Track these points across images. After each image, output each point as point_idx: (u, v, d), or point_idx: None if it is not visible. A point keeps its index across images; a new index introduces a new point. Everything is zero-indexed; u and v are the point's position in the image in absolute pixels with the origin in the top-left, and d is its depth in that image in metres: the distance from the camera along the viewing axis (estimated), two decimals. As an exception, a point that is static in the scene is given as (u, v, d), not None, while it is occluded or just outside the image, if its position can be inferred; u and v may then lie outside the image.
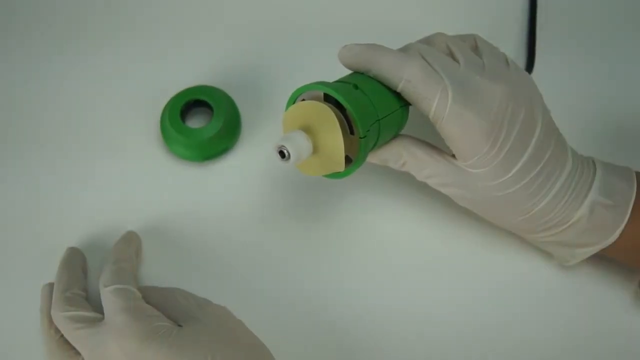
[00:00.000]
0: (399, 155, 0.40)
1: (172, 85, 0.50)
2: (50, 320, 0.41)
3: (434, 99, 0.37)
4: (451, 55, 0.40)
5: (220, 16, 0.56)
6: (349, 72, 0.40)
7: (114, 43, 0.54)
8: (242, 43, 0.54)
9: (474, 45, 0.41)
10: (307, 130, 0.37)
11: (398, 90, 0.38)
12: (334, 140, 0.36)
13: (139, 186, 0.48)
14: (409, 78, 0.37)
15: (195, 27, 0.55)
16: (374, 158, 0.41)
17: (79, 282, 0.42)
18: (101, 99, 0.52)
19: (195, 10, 0.56)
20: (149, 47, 0.54)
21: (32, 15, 0.55)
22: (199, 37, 0.54)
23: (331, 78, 0.40)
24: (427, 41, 0.41)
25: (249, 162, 0.49)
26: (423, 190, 0.45)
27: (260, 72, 0.53)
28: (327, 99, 0.37)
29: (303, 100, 0.38)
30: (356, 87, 0.38)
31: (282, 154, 0.36)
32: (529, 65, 0.53)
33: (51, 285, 0.43)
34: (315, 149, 0.37)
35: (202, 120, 0.51)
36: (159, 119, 0.50)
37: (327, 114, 0.36)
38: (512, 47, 0.54)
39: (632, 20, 0.56)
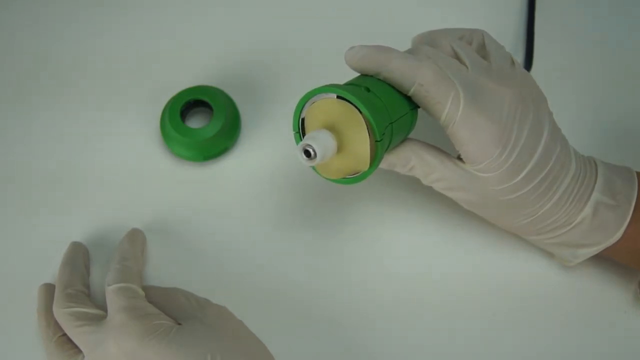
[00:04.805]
0: (408, 159, 0.40)
1: (172, 85, 0.50)
2: (48, 321, 0.41)
3: (446, 103, 0.37)
4: (457, 57, 0.40)
5: (220, 16, 0.56)
6: (353, 72, 0.40)
7: (113, 43, 0.54)
8: (242, 43, 0.54)
9: (482, 42, 0.41)
10: (330, 130, 0.36)
11: (409, 94, 0.38)
12: (360, 140, 0.36)
13: (139, 186, 0.48)
14: (421, 82, 0.37)
15: (195, 26, 0.55)
16: (382, 162, 0.40)
17: (82, 279, 0.43)
18: (101, 98, 0.52)
19: (195, 11, 0.56)
20: (149, 47, 0.54)
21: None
22: (199, 36, 0.54)
23: (332, 79, 0.40)
24: (432, 42, 0.41)
25: (249, 162, 0.49)
26: (421, 191, 0.44)
27: (260, 72, 0.53)
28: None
29: (314, 103, 0.37)
30: (368, 90, 0.37)
31: (307, 153, 0.35)
32: (528, 64, 0.53)
33: (47, 285, 0.43)
34: (338, 149, 0.37)
35: (202, 120, 0.51)
36: (159, 119, 0.49)
37: (353, 113, 0.35)
38: (511, 45, 0.54)
39: (631, 18, 0.56)
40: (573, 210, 0.40)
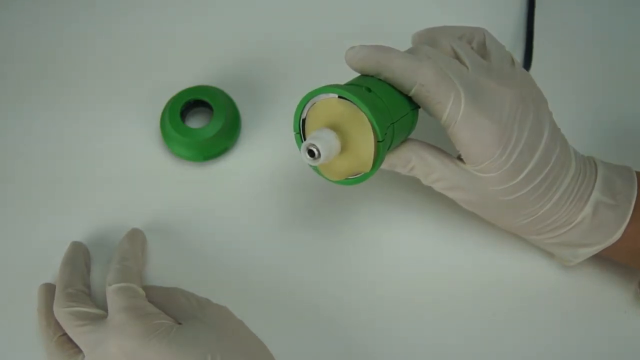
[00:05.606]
0: (408, 159, 0.40)
1: (172, 85, 0.50)
2: (49, 320, 0.41)
3: (447, 103, 0.37)
4: (457, 57, 0.40)
5: (220, 16, 0.56)
6: (353, 73, 0.40)
7: (113, 43, 0.54)
8: (242, 43, 0.54)
9: (482, 40, 0.41)
10: (333, 129, 0.36)
11: (410, 94, 0.38)
12: (363, 140, 0.36)
13: (139, 186, 0.48)
14: (422, 82, 0.37)
15: (195, 27, 0.55)
16: (383, 163, 0.40)
17: (82, 278, 0.43)
18: (101, 98, 0.52)
19: (195, 11, 0.56)
20: (149, 47, 0.54)
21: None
22: (199, 36, 0.54)
23: (332, 79, 0.40)
24: (432, 41, 0.41)
25: (249, 162, 0.49)
26: (421, 191, 0.44)
27: (260, 72, 0.53)
28: None
29: (314, 103, 0.37)
30: (369, 90, 0.37)
31: (311, 152, 0.35)
32: (527, 63, 0.53)
33: (48, 285, 0.43)
34: (340, 150, 0.36)
35: (202, 120, 0.51)
36: (159, 119, 0.49)
37: (356, 113, 0.35)
38: (510, 45, 0.54)
39: (631, 18, 0.56)
40: (573, 210, 0.40)
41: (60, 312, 0.40)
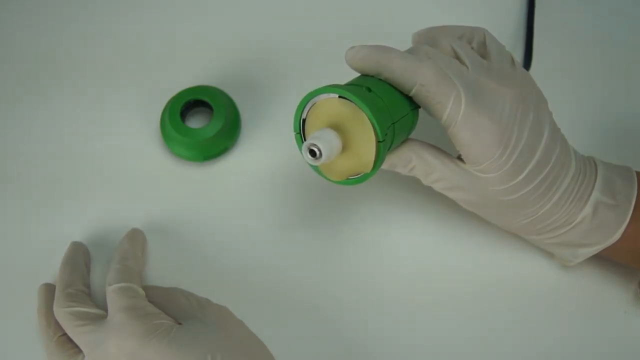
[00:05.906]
0: (408, 159, 0.40)
1: (172, 85, 0.50)
2: (49, 320, 0.41)
3: (447, 103, 0.37)
4: (457, 57, 0.40)
5: (220, 16, 0.56)
6: (353, 73, 0.40)
7: (113, 43, 0.54)
8: (242, 43, 0.54)
9: (482, 40, 0.41)
10: (334, 129, 0.36)
11: (411, 94, 0.38)
12: (364, 140, 0.36)
13: (139, 186, 0.48)
14: (422, 82, 0.37)
15: (196, 27, 0.55)
16: (384, 163, 0.40)
17: (82, 278, 0.43)
18: (101, 98, 0.52)
19: (195, 11, 0.56)
20: (149, 47, 0.54)
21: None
22: (199, 36, 0.54)
23: (332, 79, 0.40)
24: (432, 41, 0.41)
25: (248, 162, 0.49)
26: (421, 191, 0.44)
27: (260, 72, 0.53)
28: None
29: (315, 104, 0.37)
30: (369, 90, 0.37)
31: (312, 152, 0.35)
32: (527, 63, 0.53)
33: (48, 285, 0.43)
34: (342, 149, 0.36)
35: (202, 120, 0.51)
36: (159, 119, 0.49)
37: (356, 113, 0.35)
38: (510, 45, 0.54)
39: (631, 18, 0.56)
40: (573, 210, 0.40)
41: (60, 312, 0.40)
